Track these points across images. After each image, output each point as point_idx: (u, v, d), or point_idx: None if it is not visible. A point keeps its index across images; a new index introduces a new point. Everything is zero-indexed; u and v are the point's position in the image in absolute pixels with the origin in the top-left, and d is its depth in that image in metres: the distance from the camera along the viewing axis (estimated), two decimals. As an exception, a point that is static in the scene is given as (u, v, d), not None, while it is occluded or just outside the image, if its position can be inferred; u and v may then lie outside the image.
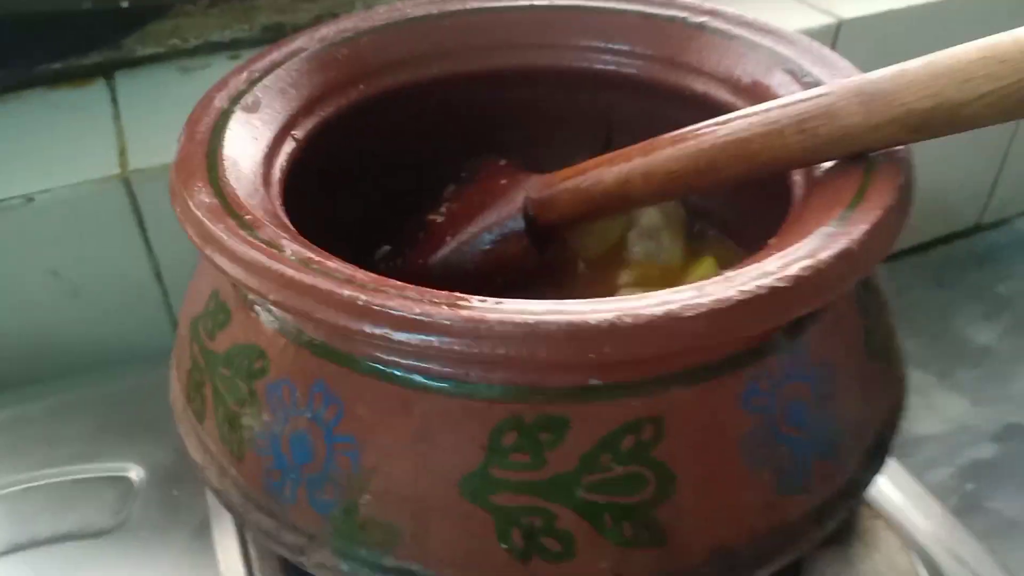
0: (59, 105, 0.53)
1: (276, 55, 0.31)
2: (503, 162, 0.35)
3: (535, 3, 0.36)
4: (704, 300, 0.21)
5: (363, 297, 0.20)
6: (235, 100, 0.28)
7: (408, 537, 0.22)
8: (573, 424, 0.22)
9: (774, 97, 0.28)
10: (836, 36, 0.57)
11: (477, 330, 0.20)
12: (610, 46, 0.35)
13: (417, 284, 0.33)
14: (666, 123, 0.28)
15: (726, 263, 0.32)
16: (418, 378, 0.22)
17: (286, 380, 0.24)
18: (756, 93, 0.30)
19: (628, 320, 0.20)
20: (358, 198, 0.35)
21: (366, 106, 0.33)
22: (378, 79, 0.34)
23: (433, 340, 0.20)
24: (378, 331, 0.20)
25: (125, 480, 0.37)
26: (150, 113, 0.50)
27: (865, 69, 0.25)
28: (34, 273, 0.45)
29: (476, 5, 0.35)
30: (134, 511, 0.36)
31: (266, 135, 0.28)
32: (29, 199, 0.44)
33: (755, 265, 0.22)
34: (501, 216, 0.32)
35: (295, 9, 0.59)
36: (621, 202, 0.29)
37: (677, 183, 0.27)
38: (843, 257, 0.21)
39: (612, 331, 0.20)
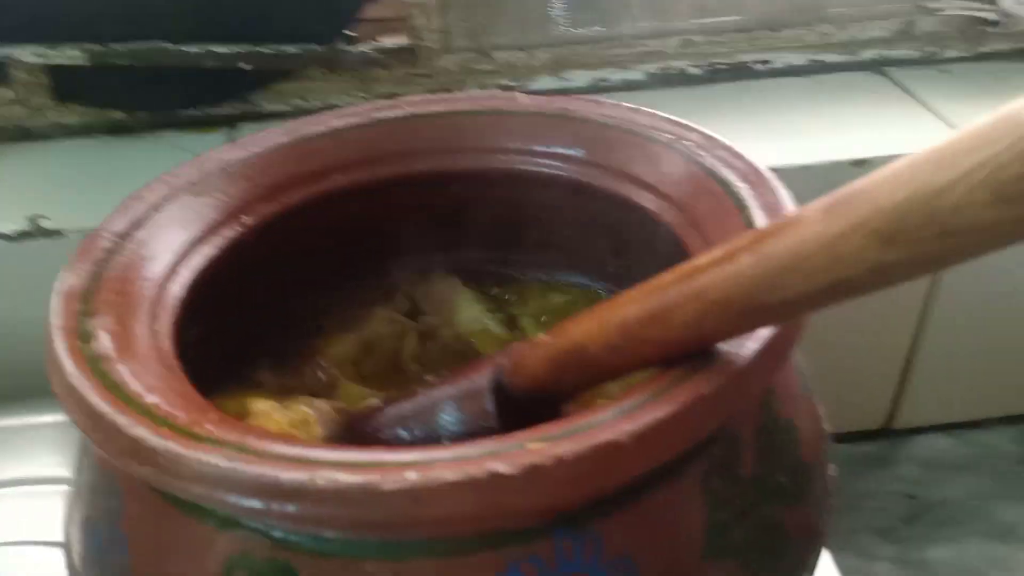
0: (181, 147, 0.58)
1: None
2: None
3: (529, 108, 0.35)
4: (447, 476, 0.18)
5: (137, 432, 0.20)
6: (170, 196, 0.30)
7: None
8: (302, 575, 0.20)
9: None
10: None
11: (222, 475, 0.19)
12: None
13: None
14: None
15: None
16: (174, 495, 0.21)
17: (95, 463, 0.24)
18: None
19: (354, 483, 0.18)
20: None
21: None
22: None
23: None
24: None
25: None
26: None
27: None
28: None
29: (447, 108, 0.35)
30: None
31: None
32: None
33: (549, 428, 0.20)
34: (472, 379, 0.27)
35: (410, 82, 0.61)
36: (577, 357, 0.23)
37: (630, 332, 0.22)
38: (604, 451, 0.19)
39: (343, 494, 0.19)
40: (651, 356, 0.21)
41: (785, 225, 0.18)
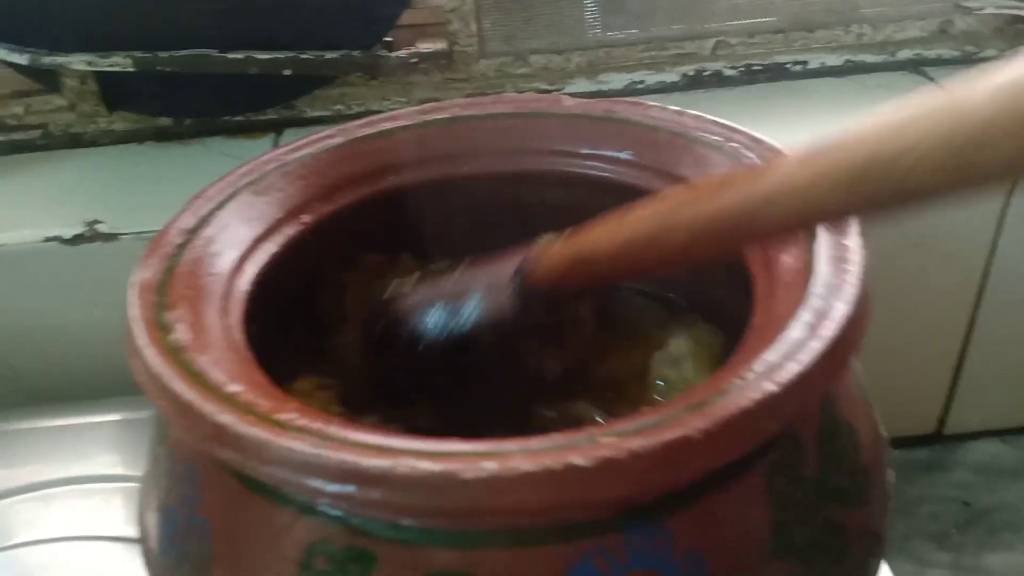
0: (228, 153, 0.59)
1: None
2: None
3: (577, 111, 0.35)
4: (524, 466, 0.19)
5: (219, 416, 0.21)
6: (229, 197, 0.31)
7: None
8: (380, 561, 0.21)
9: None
10: None
11: (307, 460, 0.20)
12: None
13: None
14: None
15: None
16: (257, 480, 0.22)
17: (173, 451, 0.25)
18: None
19: (435, 471, 0.19)
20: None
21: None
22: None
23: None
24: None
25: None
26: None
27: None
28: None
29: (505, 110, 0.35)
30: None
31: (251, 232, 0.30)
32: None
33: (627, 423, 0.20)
34: (499, 269, 0.30)
35: (447, 87, 0.62)
36: (587, 265, 0.27)
37: (633, 250, 0.25)
38: (676, 446, 0.19)
39: (423, 481, 0.19)
40: (651, 269, 0.26)
41: (766, 168, 0.20)
